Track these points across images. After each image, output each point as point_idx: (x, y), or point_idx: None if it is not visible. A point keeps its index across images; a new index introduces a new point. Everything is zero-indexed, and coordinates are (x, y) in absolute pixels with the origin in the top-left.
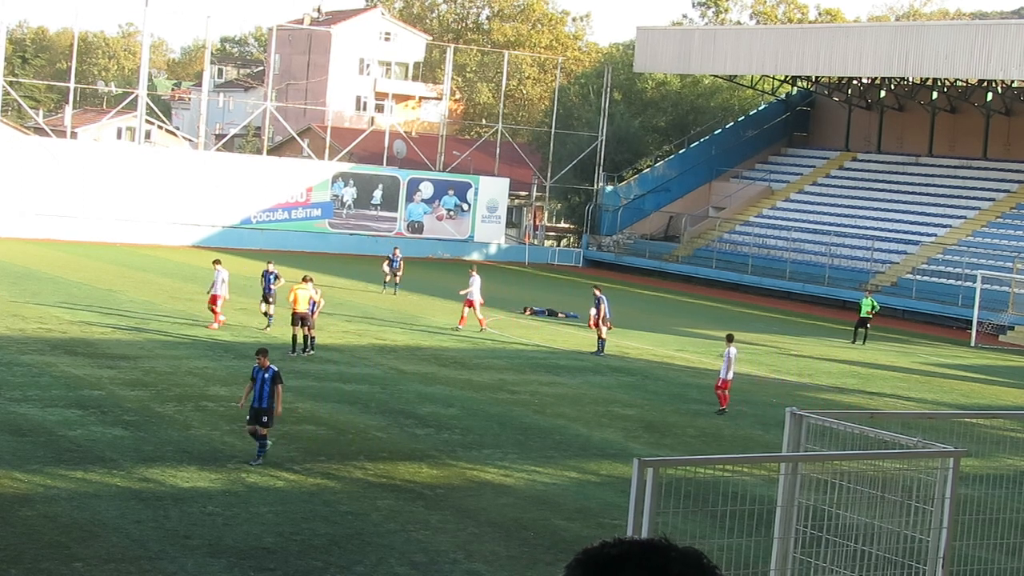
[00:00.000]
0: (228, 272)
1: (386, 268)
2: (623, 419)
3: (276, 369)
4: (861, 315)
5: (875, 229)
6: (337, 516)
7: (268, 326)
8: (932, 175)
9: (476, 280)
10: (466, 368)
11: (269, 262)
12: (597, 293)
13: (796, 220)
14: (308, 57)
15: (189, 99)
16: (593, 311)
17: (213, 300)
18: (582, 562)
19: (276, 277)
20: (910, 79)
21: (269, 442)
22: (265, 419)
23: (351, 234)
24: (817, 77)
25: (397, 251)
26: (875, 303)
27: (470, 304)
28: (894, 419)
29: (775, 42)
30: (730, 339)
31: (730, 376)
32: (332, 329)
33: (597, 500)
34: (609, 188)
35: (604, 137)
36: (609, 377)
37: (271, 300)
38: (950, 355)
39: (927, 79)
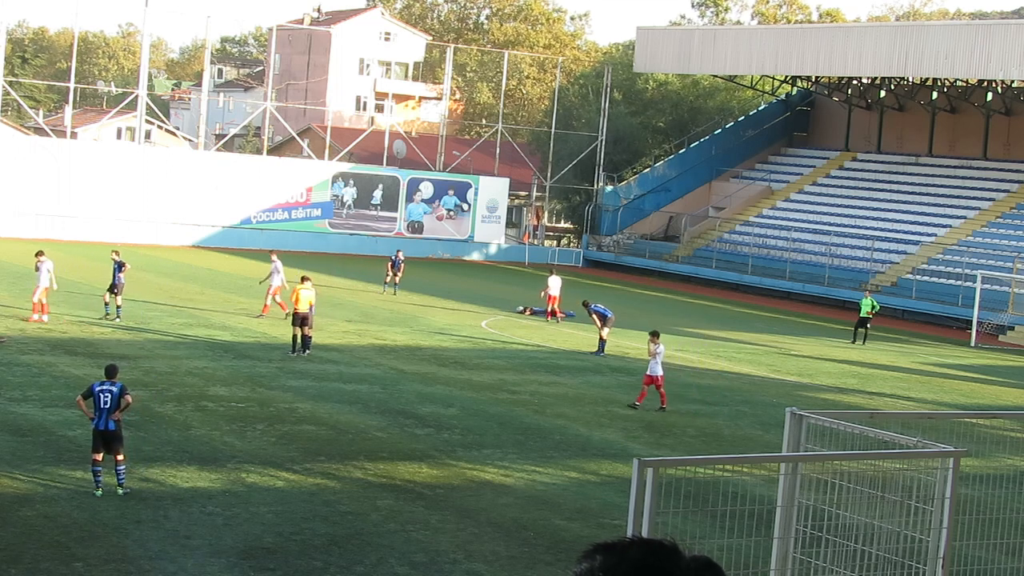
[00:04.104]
0: (53, 263)
1: (388, 268)
2: (623, 419)
3: (122, 384)
4: (861, 315)
5: (875, 229)
6: (337, 516)
7: (117, 317)
8: (932, 175)
9: (278, 266)
10: (466, 368)
11: (115, 251)
12: (587, 307)
13: (796, 220)
14: (308, 57)
15: (189, 99)
16: (551, 289)
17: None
18: (593, 547)
19: (122, 266)
20: (910, 79)
21: (123, 467)
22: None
23: (351, 234)
24: (817, 77)
25: (400, 253)
26: (875, 303)
27: (273, 291)
28: (894, 419)
29: (775, 42)
30: (656, 335)
31: (660, 372)
32: (332, 329)
33: (597, 500)
34: (609, 188)
35: (604, 137)
36: (609, 377)
37: (116, 291)
38: (950, 355)
39: (927, 79)
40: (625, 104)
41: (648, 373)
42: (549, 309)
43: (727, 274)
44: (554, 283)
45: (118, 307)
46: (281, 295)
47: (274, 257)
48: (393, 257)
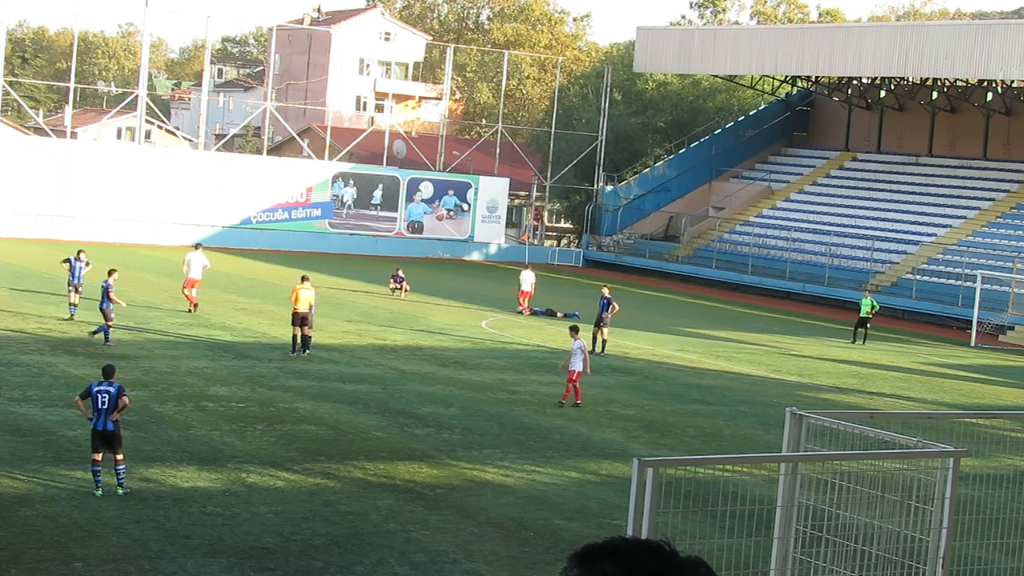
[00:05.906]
0: None
1: (392, 284)
2: (623, 419)
3: (120, 384)
4: (861, 315)
5: (875, 229)
6: (337, 516)
7: (71, 316)
8: (932, 175)
9: (199, 258)
10: (466, 368)
11: (81, 251)
12: (606, 293)
13: (796, 220)
14: (308, 57)
15: (189, 99)
16: (524, 284)
17: None
18: (576, 553)
19: (85, 264)
20: (910, 79)
21: (123, 467)
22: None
23: (351, 234)
24: (817, 77)
25: (400, 271)
26: (875, 303)
27: (192, 283)
28: (894, 419)
29: (775, 42)
30: (575, 330)
31: (579, 368)
32: (332, 329)
33: (597, 500)
34: (609, 188)
35: (604, 137)
36: (609, 377)
37: (78, 289)
38: (950, 355)
39: (927, 79)
40: (625, 104)
41: (571, 368)
42: (524, 303)
43: (727, 274)
44: (527, 278)
45: (74, 306)
46: (198, 289)
47: (199, 251)
48: (394, 275)
